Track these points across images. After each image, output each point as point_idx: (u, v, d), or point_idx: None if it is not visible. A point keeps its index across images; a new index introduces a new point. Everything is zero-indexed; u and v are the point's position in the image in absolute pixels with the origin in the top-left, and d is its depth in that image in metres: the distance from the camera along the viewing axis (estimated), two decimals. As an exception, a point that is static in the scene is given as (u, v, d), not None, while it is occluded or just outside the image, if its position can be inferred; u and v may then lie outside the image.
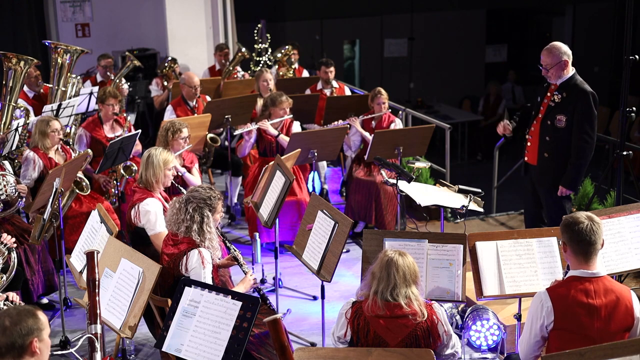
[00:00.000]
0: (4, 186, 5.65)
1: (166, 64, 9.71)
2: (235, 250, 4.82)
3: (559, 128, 5.62)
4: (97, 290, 3.51)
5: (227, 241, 4.91)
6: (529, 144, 5.85)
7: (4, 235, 4.80)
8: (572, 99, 5.57)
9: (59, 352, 5.25)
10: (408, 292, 3.72)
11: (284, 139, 6.93)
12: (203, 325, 3.75)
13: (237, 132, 7.20)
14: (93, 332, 3.37)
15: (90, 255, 3.59)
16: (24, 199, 5.86)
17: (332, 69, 8.65)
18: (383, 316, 3.71)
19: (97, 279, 3.55)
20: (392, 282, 3.71)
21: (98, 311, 3.45)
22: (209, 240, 4.49)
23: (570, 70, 5.63)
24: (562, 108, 5.60)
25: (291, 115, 7.19)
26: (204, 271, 4.41)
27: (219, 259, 4.71)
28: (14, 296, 4.42)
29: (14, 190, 5.70)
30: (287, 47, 10.31)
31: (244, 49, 9.62)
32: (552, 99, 5.66)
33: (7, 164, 5.98)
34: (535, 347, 3.66)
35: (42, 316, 3.07)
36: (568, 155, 5.65)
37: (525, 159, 5.92)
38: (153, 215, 5.14)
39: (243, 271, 4.74)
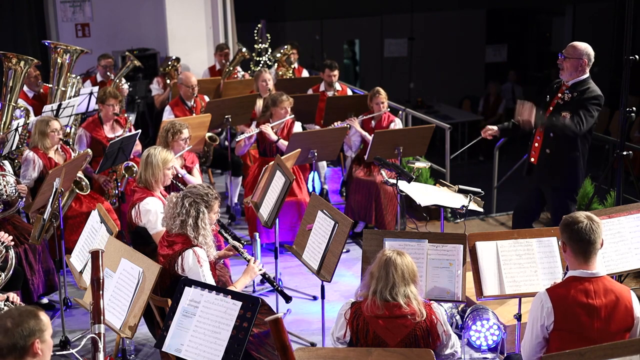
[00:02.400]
0: (4, 186, 5.65)
1: (169, 63, 9.70)
2: (235, 239, 4.83)
3: None
4: (101, 291, 3.51)
5: (224, 230, 4.90)
6: (536, 144, 5.84)
7: (1, 233, 4.80)
8: (580, 99, 5.57)
9: (59, 353, 5.25)
10: (407, 291, 3.72)
11: (284, 144, 6.94)
12: (203, 325, 3.75)
13: (239, 138, 7.18)
14: (96, 332, 3.37)
15: (95, 255, 3.58)
16: (24, 199, 5.86)
17: (335, 72, 8.63)
18: (382, 316, 3.71)
19: (101, 279, 3.54)
20: (390, 281, 3.71)
21: (102, 311, 3.44)
22: (202, 237, 4.48)
23: (586, 74, 5.63)
24: (569, 106, 5.60)
25: (292, 116, 7.19)
26: (202, 270, 4.41)
27: (215, 256, 4.70)
28: (14, 297, 4.41)
29: (14, 191, 5.70)
30: (286, 46, 10.31)
31: (244, 49, 9.62)
32: (561, 97, 5.66)
33: (7, 163, 5.98)
34: (537, 347, 3.66)
35: (44, 317, 3.07)
36: (569, 153, 5.64)
37: (532, 159, 5.90)
38: (154, 214, 5.14)
39: (245, 259, 4.73)
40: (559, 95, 5.70)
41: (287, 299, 4.69)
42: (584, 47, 5.63)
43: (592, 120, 5.57)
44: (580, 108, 5.53)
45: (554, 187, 5.76)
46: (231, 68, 9.51)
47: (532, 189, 6.00)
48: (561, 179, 5.71)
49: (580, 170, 5.72)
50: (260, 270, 4.66)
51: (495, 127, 6.04)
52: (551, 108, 5.73)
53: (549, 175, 5.74)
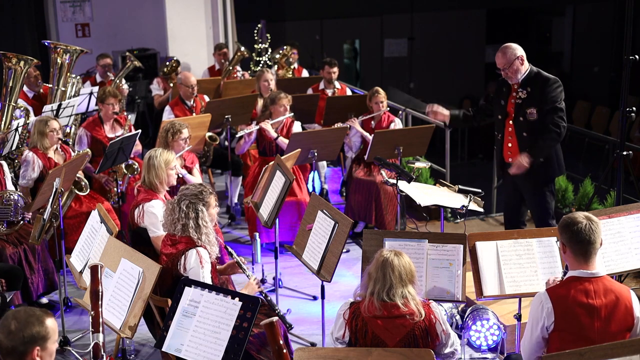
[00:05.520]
0: (11, 199, 5.65)
1: (167, 64, 9.69)
2: (238, 257, 4.78)
3: (532, 121, 5.65)
4: (100, 302, 3.55)
5: (227, 247, 4.86)
6: (509, 144, 5.87)
7: None
8: (538, 90, 5.61)
9: (59, 354, 5.25)
10: (405, 292, 3.71)
11: (283, 141, 6.94)
12: (203, 325, 3.75)
13: (239, 134, 7.18)
14: (96, 341, 3.39)
15: (94, 269, 3.65)
16: (23, 200, 5.86)
17: (335, 69, 8.64)
18: (380, 316, 3.70)
19: (100, 291, 3.59)
20: (388, 282, 3.70)
21: (101, 321, 3.47)
22: (205, 235, 4.48)
23: (527, 66, 5.70)
24: (530, 101, 5.65)
25: (292, 114, 7.19)
26: (203, 271, 4.40)
27: (217, 257, 4.70)
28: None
29: (18, 212, 5.69)
30: (284, 47, 10.31)
31: (242, 48, 9.63)
32: (517, 97, 5.70)
33: (4, 164, 5.97)
34: (537, 347, 3.66)
35: (51, 323, 3.01)
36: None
37: (510, 160, 5.92)
38: (157, 217, 5.12)
39: (247, 275, 4.71)
40: (514, 94, 5.74)
41: (289, 326, 4.51)
42: (510, 47, 5.74)
43: (563, 105, 5.62)
44: (546, 100, 5.56)
45: (534, 187, 5.77)
46: (230, 68, 9.52)
47: (510, 187, 6.04)
48: (543, 173, 5.74)
49: (560, 159, 5.77)
50: (260, 288, 4.55)
51: (446, 112, 6.08)
52: (512, 110, 5.75)
53: (532, 173, 5.76)
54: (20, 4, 10.64)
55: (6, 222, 5.68)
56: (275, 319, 3.37)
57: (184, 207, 4.47)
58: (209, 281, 4.42)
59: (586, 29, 16.18)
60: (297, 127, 7.31)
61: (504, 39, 5.94)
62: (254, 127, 7.10)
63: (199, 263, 4.40)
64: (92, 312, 3.50)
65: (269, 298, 4.60)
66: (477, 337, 5.04)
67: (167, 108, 7.91)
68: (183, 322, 3.80)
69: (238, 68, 9.79)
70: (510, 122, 5.78)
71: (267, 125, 7.05)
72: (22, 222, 5.72)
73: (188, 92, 7.88)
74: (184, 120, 6.63)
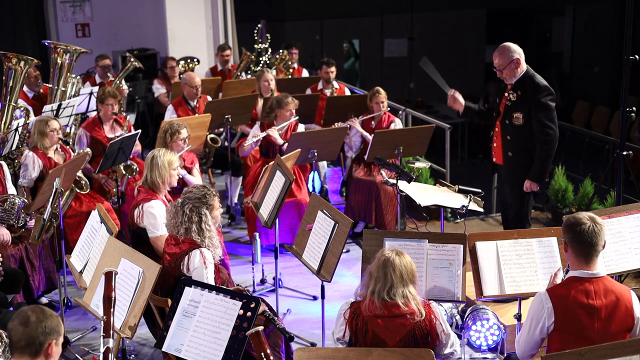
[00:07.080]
0: (12, 206, 5.65)
1: (183, 63, 9.68)
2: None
3: (517, 125, 5.68)
4: (113, 308, 3.57)
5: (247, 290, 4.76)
6: (494, 144, 5.90)
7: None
8: (527, 95, 5.64)
9: (59, 353, 5.24)
10: (405, 292, 3.71)
11: None
12: (203, 325, 3.75)
13: (247, 143, 7.10)
14: (107, 346, 3.40)
15: (108, 275, 3.67)
16: (23, 199, 5.86)
17: (333, 68, 8.65)
18: (381, 315, 3.70)
19: (113, 297, 3.61)
20: (389, 281, 3.70)
21: (112, 328, 3.49)
22: (208, 239, 4.48)
23: (524, 68, 5.71)
24: (518, 106, 5.68)
25: (297, 118, 7.16)
26: (206, 271, 4.41)
27: (220, 257, 4.70)
28: None
29: (19, 217, 5.69)
30: (280, 51, 10.31)
31: (248, 53, 9.70)
32: (508, 98, 5.72)
33: (4, 164, 5.97)
34: (533, 346, 3.66)
35: (61, 322, 3.07)
36: (530, 152, 5.70)
37: (494, 159, 5.95)
38: (156, 217, 5.12)
39: None
40: (505, 95, 5.76)
41: (290, 338, 4.40)
42: (508, 47, 5.75)
43: (554, 114, 5.63)
44: (534, 106, 5.58)
45: (516, 186, 5.79)
46: (238, 73, 9.59)
47: (503, 186, 6.06)
48: (524, 177, 5.75)
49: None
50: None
51: (463, 102, 6.06)
52: (501, 109, 5.77)
53: (515, 175, 5.77)
54: (20, 4, 10.64)
55: (7, 225, 5.68)
56: (260, 328, 3.37)
57: (187, 210, 4.47)
58: (212, 282, 4.42)
59: (586, 29, 16.17)
60: (301, 130, 7.27)
61: (504, 39, 5.94)
62: (261, 135, 7.03)
63: (202, 264, 4.41)
64: (104, 318, 3.53)
65: (278, 324, 4.39)
66: (477, 337, 5.04)
67: (170, 107, 7.91)
68: (183, 322, 3.80)
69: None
70: (498, 122, 5.81)
71: (274, 132, 7.00)
72: (23, 229, 5.71)
73: (192, 93, 7.89)
74: (184, 121, 6.62)
